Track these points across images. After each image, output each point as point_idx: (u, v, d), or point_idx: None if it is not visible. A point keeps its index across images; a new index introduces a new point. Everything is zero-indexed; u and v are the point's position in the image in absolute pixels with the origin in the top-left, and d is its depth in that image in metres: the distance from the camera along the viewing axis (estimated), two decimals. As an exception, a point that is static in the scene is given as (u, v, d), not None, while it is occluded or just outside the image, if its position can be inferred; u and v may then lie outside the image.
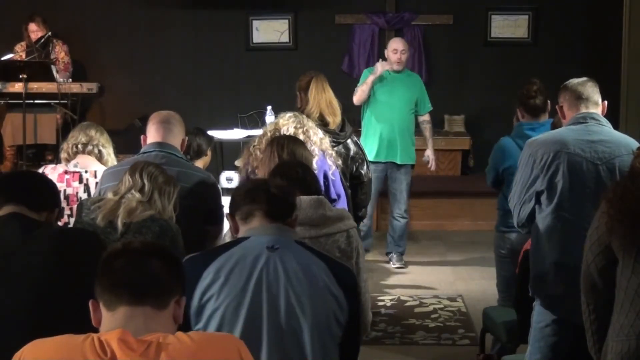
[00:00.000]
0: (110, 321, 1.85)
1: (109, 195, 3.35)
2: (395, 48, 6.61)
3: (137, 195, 3.27)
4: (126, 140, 7.04)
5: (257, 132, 4.99)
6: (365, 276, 3.14)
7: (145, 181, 3.31)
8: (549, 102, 4.53)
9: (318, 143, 4.28)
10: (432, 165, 7.01)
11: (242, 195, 2.59)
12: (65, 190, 4.02)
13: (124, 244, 1.95)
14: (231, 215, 2.61)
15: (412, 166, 6.77)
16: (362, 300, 3.09)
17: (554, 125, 4.21)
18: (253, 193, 2.57)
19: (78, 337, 1.82)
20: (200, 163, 4.56)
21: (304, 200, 3.00)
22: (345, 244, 3.00)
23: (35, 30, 8.45)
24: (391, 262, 6.74)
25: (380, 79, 6.53)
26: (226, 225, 3.58)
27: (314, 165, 4.05)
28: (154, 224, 3.24)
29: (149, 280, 1.87)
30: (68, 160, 4.16)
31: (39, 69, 7.99)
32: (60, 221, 3.70)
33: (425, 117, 6.85)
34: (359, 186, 5.04)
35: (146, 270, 1.87)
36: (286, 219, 2.57)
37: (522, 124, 4.55)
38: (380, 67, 6.44)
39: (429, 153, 6.97)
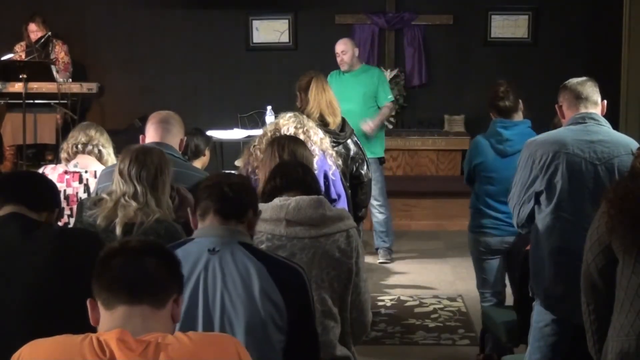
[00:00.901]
0: (109, 320, 1.84)
1: (105, 196, 3.32)
2: (336, 52, 6.65)
3: (134, 203, 3.22)
4: (126, 140, 6.99)
5: (257, 132, 4.99)
6: (365, 276, 3.14)
7: (136, 184, 3.24)
8: (520, 101, 4.57)
9: (318, 143, 4.28)
10: (367, 128, 6.51)
11: (201, 191, 2.58)
12: (65, 191, 4.02)
13: (121, 243, 1.95)
14: (192, 211, 2.59)
15: (381, 161, 6.71)
16: (362, 300, 3.09)
17: (554, 125, 4.22)
18: (209, 190, 2.56)
19: (76, 337, 1.82)
20: (198, 163, 4.55)
21: (303, 200, 3.00)
22: (345, 244, 2.99)
23: (35, 30, 8.45)
24: (378, 257, 6.82)
25: (335, 81, 6.53)
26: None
27: (315, 165, 4.05)
28: (160, 225, 3.21)
29: (147, 278, 1.86)
30: (68, 160, 4.16)
31: (39, 69, 7.99)
32: (60, 221, 3.69)
33: (384, 105, 6.71)
34: (359, 186, 5.05)
35: (144, 268, 1.87)
36: (240, 218, 2.54)
37: (496, 122, 4.60)
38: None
39: (369, 121, 6.58)
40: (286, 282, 2.47)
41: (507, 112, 4.55)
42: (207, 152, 4.71)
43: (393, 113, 6.72)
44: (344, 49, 6.63)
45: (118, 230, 3.19)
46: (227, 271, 2.44)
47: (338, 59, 6.66)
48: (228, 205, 2.52)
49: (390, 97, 6.78)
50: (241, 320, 2.40)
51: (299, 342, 2.50)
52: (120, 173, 3.28)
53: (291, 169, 3.20)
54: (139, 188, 3.24)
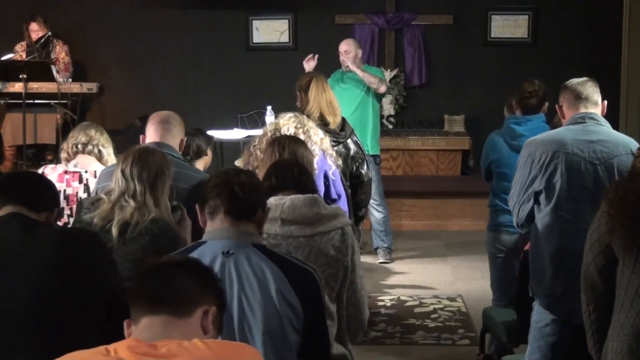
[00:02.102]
0: (133, 332, 1.84)
1: (103, 196, 3.32)
2: (340, 51, 6.66)
3: (132, 202, 3.22)
4: (126, 140, 7.00)
5: (257, 132, 4.99)
6: (361, 272, 3.14)
7: (136, 182, 3.24)
8: (546, 103, 4.61)
9: (319, 143, 4.28)
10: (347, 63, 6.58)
11: (210, 189, 2.56)
12: (65, 190, 4.02)
13: (152, 262, 1.96)
14: (201, 208, 2.58)
15: (377, 161, 6.69)
16: (358, 297, 3.10)
17: (554, 125, 4.23)
18: (218, 188, 2.53)
19: (84, 352, 1.80)
20: (200, 163, 4.55)
21: (298, 198, 3.00)
22: (339, 242, 2.99)
23: (36, 30, 8.46)
24: (378, 257, 6.82)
25: (337, 81, 6.55)
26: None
27: (315, 165, 4.05)
28: (154, 225, 3.22)
29: (168, 289, 1.85)
30: (68, 160, 4.16)
31: (39, 69, 7.99)
32: (60, 221, 3.70)
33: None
34: (359, 186, 5.05)
35: (166, 281, 1.86)
36: (250, 217, 2.53)
37: (509, 119, 4.69)
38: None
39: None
40: (302, 284, 2.47)
41: (528, 109, 4.63)
42: (209, 152, 4.70)
43: (382, 90, 6.59)
44: (347, 49, 6.65)
45: (114, 232, 3.18)
46: (243, 274, 2.43)
47: (341, 58, 6.67)
48: (238, 206, 2.51)
49: (383, 77, 6.72)
50: (259, 322, 2.41)
51: (313, 343, 2.51)
52: (122, 172, 3.28)
53: (286, 168, 3.19)
54: (138, 187, 3.24)
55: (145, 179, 3.25)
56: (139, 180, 3.25)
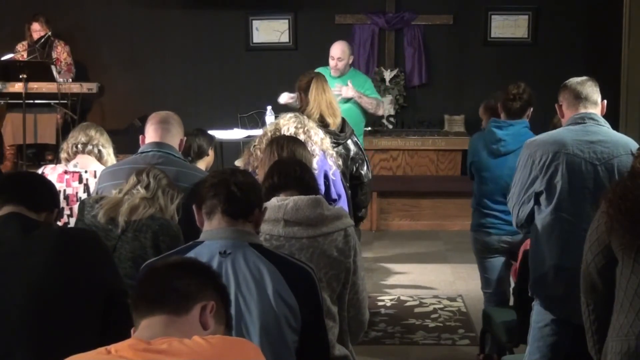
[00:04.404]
0: (134, 334, 1.85)
1: (113, 192, 3.37)
2: (332, 55, 6.39)
3: (142, 191, 3.31)
4: (126, 140, 7.03)
5: (257, 132, 4.98)
6: (363, 274, 3.14)
7: (151, 179, 3.36)
8: (530, 108, 4.56)
9: (319, 143, 4.28)
10: (345, 88, 6.27)
11: (207, 189, 2.55)
12: (65, 190, 4.02)
13: (151, 264, 1.97)
14: (198, 208, 2.57)
15: None
16: (360, 299, 3.10)
17: (554, 125, 4.22)
18: (216, 188, 2.53)
19: (86, 354, 1.80)
20: (202, 163, 4.55)
21: (301, 199, 2.99)
22: (342, 243, 2.99)
23: (38, 30, 8.48)
24: None
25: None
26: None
27: (315, 165, 4.05)
28: (154, 222, 3.25)
29: (165, 291, 1.86)
30: (68, 160, 4.16)
31: (39, 69, 8.00)
32: (59, 221, 3.70)
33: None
34: (359, 186, 5.04)
35: (163, 283, 1.87)
36: (247, 217, 2.53)
37: (491, 121, 4.65)
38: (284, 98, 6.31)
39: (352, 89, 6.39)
40: (298, 283, 2.47)
41: (510, 112, 4.58)
42: (210, 152, 4.69)
43: (379, 113, 6.46)
44: (340, 56, 6.39)
45: (121, 221, 3.24)
46: (239, 274, 2.43)
47: (332, 63, 6.44)
48: (236, 205, 2.51)
49: (378, 96, 6.61)
50: (256, 322, 2.41)
51: (311, 342, 2.51)
52: (137, 175, 3.39)
53: (289, 167, 3.18)
54: (152, 182, 3.35)
55: (159, 180, 3.37)
56: (154, 179, 3.36)
